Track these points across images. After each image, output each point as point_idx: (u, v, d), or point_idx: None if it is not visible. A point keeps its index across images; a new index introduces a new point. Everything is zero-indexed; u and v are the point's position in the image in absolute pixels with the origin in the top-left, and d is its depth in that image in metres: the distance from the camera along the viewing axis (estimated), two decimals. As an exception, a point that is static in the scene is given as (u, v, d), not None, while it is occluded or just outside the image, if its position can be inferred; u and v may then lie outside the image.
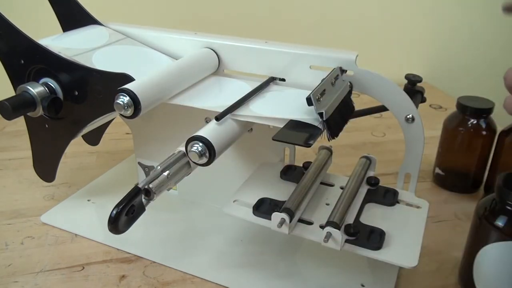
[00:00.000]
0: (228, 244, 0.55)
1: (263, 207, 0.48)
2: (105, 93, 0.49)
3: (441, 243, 0.56)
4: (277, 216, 0.44)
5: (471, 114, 0.64)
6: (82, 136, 0.68)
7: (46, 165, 0.58)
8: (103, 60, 0.53)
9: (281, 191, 0.51)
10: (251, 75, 0.55)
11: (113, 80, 0.46)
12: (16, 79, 0.53)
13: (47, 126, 0.54)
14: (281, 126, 0.42)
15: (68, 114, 0.52)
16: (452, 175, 0.68)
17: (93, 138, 0.68)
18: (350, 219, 0.46)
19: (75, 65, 0.50)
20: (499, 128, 0.64)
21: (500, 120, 0.67)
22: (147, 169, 0.64)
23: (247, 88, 0.52)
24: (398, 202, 0.51)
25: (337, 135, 0.42)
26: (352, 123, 0.49)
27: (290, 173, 0.55)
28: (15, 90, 0.53)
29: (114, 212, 0.39)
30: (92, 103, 0.50)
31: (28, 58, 0.51)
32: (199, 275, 0.51)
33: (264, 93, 0.51)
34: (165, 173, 0.42)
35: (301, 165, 0.56)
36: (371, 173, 0.54)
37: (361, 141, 0.83)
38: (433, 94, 1.03)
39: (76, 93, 0.50)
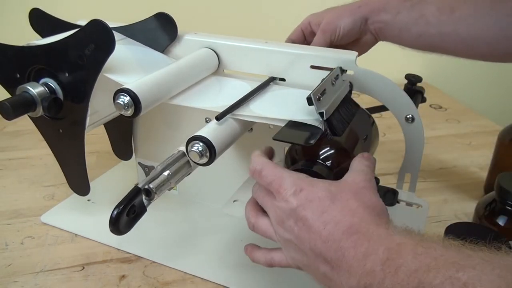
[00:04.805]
0: (228, 244, 0.55)
1: (263, 207, 0.48)
2: (86, 54, 0.47)
3: (441, 243, 0.56)
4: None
5: None
6: (115, 152, 0.67)
7: (76, 177, 0.57)
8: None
9: (281, 191, 0.51)
10: (251, 75, 0.54)
11: (86, 35, 0.45)
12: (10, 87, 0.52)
13: (61, 131, 0.53)
14: (281, 126, 0.43)
15: (68, 111, 0.52)
16: None
17: (125, 151, 0.67)
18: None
19: (47, 47, 0.48)
20: (499, 128, 0.64)
21: (500, 120, 0.67)
22: (147, 169, 0.64)
23: (247, 88, 0.52)
24: (398, 202, 0.51)
25: (339, 135, 0.42)
26: (352, 123, 0.49)
27: (290, 173, 0.55)
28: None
29: (115, 212, 0.39)
30: (81, 72, 0.48)
31: (21, 65, 0.51)
32: (199, 275, 0.51)
33: (264, 93, 0.51)
34: (165, 173, 0.42)
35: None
36: (371, 173, 0.54)
37: (361, 141, 0.83)
38: (433, 94, 1.03)
39: (67, 74, 0.49)
